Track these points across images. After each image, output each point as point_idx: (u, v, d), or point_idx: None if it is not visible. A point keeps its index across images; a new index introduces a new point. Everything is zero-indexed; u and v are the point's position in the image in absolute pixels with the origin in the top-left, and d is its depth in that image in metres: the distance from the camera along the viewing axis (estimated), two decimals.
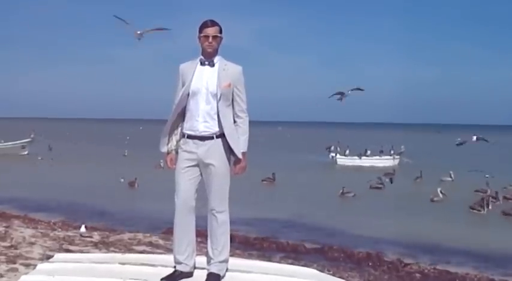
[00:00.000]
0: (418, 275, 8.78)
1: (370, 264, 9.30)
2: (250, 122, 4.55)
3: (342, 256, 9.76)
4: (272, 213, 14.46)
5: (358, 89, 13.47)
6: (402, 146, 32.94)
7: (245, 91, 4.49)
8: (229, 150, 4.43)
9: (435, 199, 17.64)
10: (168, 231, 9.58)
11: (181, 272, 4.47)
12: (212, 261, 4.46)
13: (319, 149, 35.91)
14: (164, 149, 4.55)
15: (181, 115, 4.49)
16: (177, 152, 4.52)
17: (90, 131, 77.40)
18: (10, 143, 33.52)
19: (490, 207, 15.39)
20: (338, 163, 31.15)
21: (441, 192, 17.80)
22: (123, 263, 4.77)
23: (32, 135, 34.37)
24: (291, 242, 10.79)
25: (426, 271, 9.00)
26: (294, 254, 9.85)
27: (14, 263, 6.49)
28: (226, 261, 4.52)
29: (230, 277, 4.51)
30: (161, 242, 9.24)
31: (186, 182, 4.42)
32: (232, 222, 4.55)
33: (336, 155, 32.28)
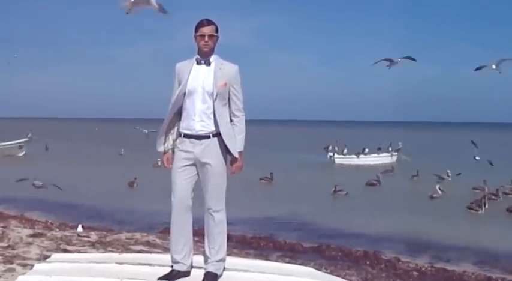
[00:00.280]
0: (415, 273, 8.78)
1: (367, 262, 9.30)
2: (248, 120, 4.56)
3: (339, 255, 9.76)
4: (269, 212, 14.45)
5: (410, 58, 12.01)
6: (400, 143, 32.89)
7: (241, 90, 4.50)
8: (225, 149, 4.43)
9: (434, 195, 17.66)
10: (165, 230, 9.57)
11: (178, 271, 4.47)
12: (209, 260, 4.46)
13: (318, 148, 35.89)
14: (161, 149, 4.56)
15: (178, 114, 4.50)
16: (173, 152, 4.53)
17: (88, 131, 77.29)
18: (7, 143, 33.41)
19: (486, 206, 15.40)
20: (336, 162, 31.13)
21: (440, 189, 17.82)
22: (121, 263, 4.77)
23: (29, 135, 34.26)
24: (288, 241, 10.79)
25: (423, 269, 9.01)
26: (291, 253, 9.85)
27: (11, 263, 6.49)
28: (223, 260, 4.52)
29: (227, 276, 4.52)
30: (158, 241, 9.23)
31: (182, 181, 4.42)
32: (229, 221, 4.55)
33: (333, 154, 32.24)
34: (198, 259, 4.60)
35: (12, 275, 5.80)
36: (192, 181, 4.45)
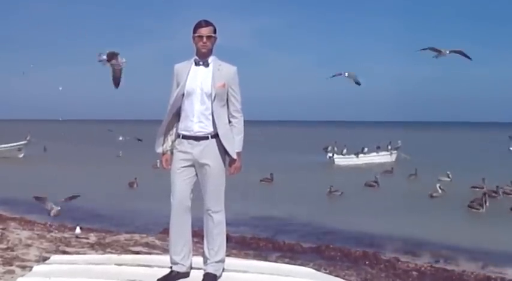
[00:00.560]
0: (414, 273, 8.79)
1: (366, 262, 9.31)
2: (247, 121, 4.57)
3: (338, 255, 9.76)
4: (269, 213, 14.46)
5: (463, 54, 11.00)
6: (399, 141, 32.92)
7: (239, 91, 4.50)
8: (224, 150, 4.44)
9: (434, 194, 17.66)
10: (164, 232, 9.56)
11: (177, 272, 4.47)
12: (208, 261, 4.46)
13: (318, 148, 35.91)
14: (159, 150, 4.56)
15: (176, 115, 4.50)
16: (172, 153, 4.53)
17: (87, 132, 77.25)
18: (6, 145, 33.39)
19: (487, 204, 15.41)
20: (336, 162, 31.11)
21: (440, 188, 17.83)
22: (120, 264, 4.77)
23: (28, 138, 34.23)
24: (287, 242, 10.79)
25: (423, 268, 9.01)
26: (291, 254, 9.85)
27: (11, 265, 6.49)
28: (222, 261, 4.52)
29: (226, 277, 4.52)
30: (158, 242, 9.24)
31: (181, 182, 4.43)
32: (228, 222, 4.55)
33: (333, 155, 32.23)
34: (197, 260, 4.60)
35: (12, 277, 5.81)
36: (191, 182, 4.45)
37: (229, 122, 4.47)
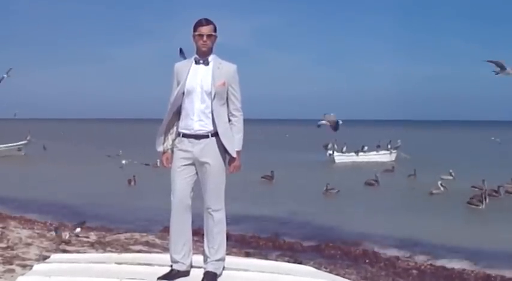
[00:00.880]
0: (414, 271, 8.79)
1: (367, 261, 9.31)
2: (247, 120, 4.57)
3: (338, 253, 9.76)
4: (269, 211, 14.46)
5: None
6: (399, 140, 32.91)
7: (239, 89, 4.50)
8: (224, 149, 4.44)
9: (434, 191, 17.66)
10: (164, 230, 9.58)
11: (178, 271, 4.47)
12: (209, 260, 4.46)
13: (318, 146, 35.91)
14: (160, 148, 4.56)
15: (177, 114, 4.50)
16: (173, 151, 4.54)
17: (87, 131, 77.30)
18: (6, 145, 33.40)
19: (487, 201, 15.42)
20: (336, 160, 31.14)
21: (442, 185, 17.82)
22: (120, 263, 4.77)
23: (28, 138, 34.22)
24: (288, 240, 10.79)
25: (423, 267, 9.01)
26: (291, 252, 9.85)
27: (11, 264, 6.50)
28: (222, 259, 4.52)
29: (227, 276, 4.52)
30: (158, 241, 9.24)
31: (182, 181, 4.43)
32: (228, 220, 4.55)
33: (333, 152, 32.26)
34: (198, 259, 4.60)
35: (12, 276, 5.81)
36: (192, 181, 4.45)
37: (229, 120, 4.48)
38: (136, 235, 9.71)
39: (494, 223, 13.51)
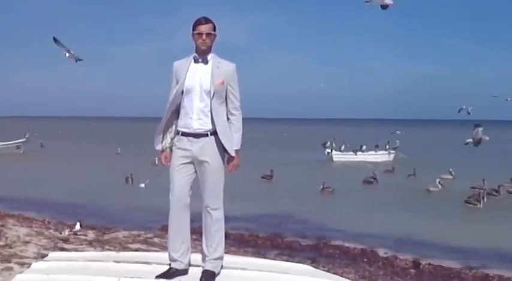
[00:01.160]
0: (412, 270, 8.80)
1: (365, 260, 9.32)
2: (246, 118, 4.57)
3: (336, 253, 9.77)
4: (267, 210, 14.46)
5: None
6: (397, 141, 32.95)
7: (238, 88, 4.50)
8: (223, 147, 4.43)
9: (431, 188, 17.66)
10: (163, 229, 9.58)
11: (176, 269, 4.47)
12: (207, 258, 4.46)
13: (317, 146, 35.97)
14: (159, 147, 4.56)
15: (176, 113, 4.50)
16: (171, 150, 4.53)
17: (87, 129, 77.27)
18: (4, 143, 33.40)
19: (485, 200, 15.42)
20: (334, 159, 31.17)
21: (440, 183, 17.82)
22: (118, 261, 4.77)
23: (26, 135, 34.22)
24: (286, 239, 10.80)
25: (421, 266, 9.02)
26: (289, 251, 9.85)
27: (9, 262, 6.50)
28: (221, 258, 4.52)
29: (225, 274, 4.52)
30: (156, 240, 9.24)
31: (180, 179, 4.42)
32: (227, 219, 4.55)
33: (331, 151, 32.30)
34: (196, 257, 4.59)
35: (10, 274, 5.80)
36: (190, 179, 4.45)
37: (228, 119, 4.47)
38: (135, 233, 9.71)
39: (493, 222, 13.51)
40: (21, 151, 33.01)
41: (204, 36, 4.39)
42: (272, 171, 21.43)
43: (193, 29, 4.42)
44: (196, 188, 4.48)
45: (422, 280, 8.49)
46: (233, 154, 4.44)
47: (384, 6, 8.76)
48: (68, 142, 44.61)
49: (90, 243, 8.43)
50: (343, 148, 32.78)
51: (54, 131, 59.88)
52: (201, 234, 4.53)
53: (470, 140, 13.69)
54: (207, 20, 4.43)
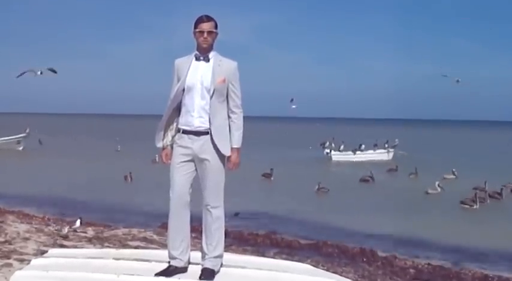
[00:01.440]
0: (412, 270, 8.79)
1: (364, 259, 9.31)
2: (246, 117, 4.56)
3: (336, 252, 9.76)
4: (267, 209, 14.46)
5: None
6: (396, 140, 32.96)
7: (240, 87, 4.50)
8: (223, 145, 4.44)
9: (430, 191, 17.65)
10: (162, 226, 9.57)
11: (175, 267, 4.47)
12: (207, 256, 4.46)
13: (316, 145, 35.99)
14: (159, 144, 4.56)
15: (177, 110, 4.49)
16: (172, 147, 4.53)
17: (87, 126, 77.27)
18: (5, 138, 33.42)
19: (488, 201, 15.40)
20: (333, 158, 31.18)
21: (439, 185, 17.81)
22: (118, 259, 4.77)
23: (27, 130, 34.23)
24: (285, 238, 10.79)
25: (420, 266, 9.01)
26: (288, 250, 9.85)
27: (8, 258, 6.49)
28: (220, 256, 4.52)
29: (224, 273, 4.52)
30: (156, 237, 9.23)
31: (181, 177, 4.42)
32: (227, 217, 4.56)
33: (330, 151, 32.31)
34: (196, 255, 4.60)
35: (10, 270, 5.80)
36: (191, 177, 4.45)
37: (229, 117, 4.47)
38: (134, 231, 9.70)
39: (492, 223, 13.52)
40: (22, 146, 33.01)
41: (205, 34, 4.38)
42: (272, 169, 21.45)
43: (195, 27, 4.42)
44: (197, 186, 4.48)
45: (422, 280, 8.48)
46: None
47: None
48: (68, 138, 44.61)
49: (90, 240, 8.43)
50: (342, 147, 32.80)
51: (53, 128, 59.87)
52: (200, 232, 4.53)
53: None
54: (208, 18, 4.43)
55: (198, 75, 4.39)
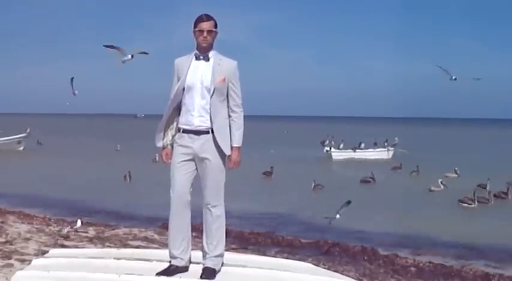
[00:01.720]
0: (413, 269, 8.77)
1: (365, 258, 9.29)
2: (246, 116, 4.56)
3: (337, 250, 9.74)
4: (267, 207, 14.45)
5: None
6: (396, 138, 32.93)
7: (240, 86, 4.49)
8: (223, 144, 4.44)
9: (433, 188, 17.62)
10: (163, 226, 9.56)
11: (176, 266, 4.47)
12: (207, 255, 4.46)
13: (316, 143, 36.00)
14: (160, 144, 4.56)
15: (177, 110, 4.49)
16: (172, 147, 4.53)
17: (87, 126, 77.28)
18: (6, 138, 33.41)
19: (492, 202, 15.38)
20: (333, 156, 31.16)
21: (442, 183, 17.77)
22: (119, 258, 4.77)
23: (27, 130, 34.21)
24: (286, 237, 10.76)
25: (421, 264, 8.99)
26: (289, 249, 9.83)
27: (10, 258, 6.49)
28: (221, 255, 4.52)
29: (225, 272, 4.52)
30: (156, 237, 9.23)
31: (181, 176, 4.42)
32: (227, 216, 4.55)
33: (330, 149, 32.30)
34: (196, 254, 4.60)
35: (11, 270, 5.80)
36: (191, 176, 4.45)
37: (229, 116, 4.47)
38: (135, 231, 9.70)
39: (494, 221, 13.50)
40: (22, 147, 33.01)
41: (205, 34, 4.38)
42: (272, 168, 21.46)
43: (195, 26, 4.42)
44: (197, 186, 4.48)
45: (423, 278, 8.48)
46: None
47: None
48: (68, 138, 44.59)
49: (91, 240, 8.42)
50: (341, 145, 32.79)
51: (54, 128, 59.87)
52: (201, 231, 4.53)
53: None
54: (208, 17, 4.43)
55: (198, 74, 4.39)
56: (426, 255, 9.92)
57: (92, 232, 9.23)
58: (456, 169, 21.21)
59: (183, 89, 4.40)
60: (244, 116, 4.54)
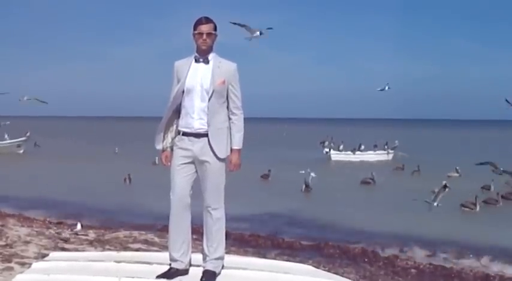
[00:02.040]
0: (413, 270, 8.78)
1: (365, 260, 9.30)
2: (246, 118, 4.56)
3: (337, 252, 9.75)
4: (267, 210, 14.43)
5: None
6: (396, 141, 32.92)
7: (240, 88, 4.49)
8: (224, 147, 4.43)
9: (436, 190, 17.59)
10: (163, 229, 9.55)
11: (176, 269, 4.47)
12: (208, 258, 4.46)
13: (316, 145, 35.98)
14: (159, 146, 4.55)
15: (176, 112, 4.49)
16: (172, 150, 4.52)
17: (86, 128, 77.26)
18: (5, 141, 33.42)
19: (501, 203, 15.33)
20: (332, 158, 31.14)
21: (446, 185, 17.74)
22: (119, 261, 4.76)
23: (27, 134, 34.23)
24: (286, 239, 10.78)
25: (422, 266, 9.01)
26: (290, 251, 9.84)
27: (10, 262, 6.49)
28: (221, 258, 4.52)
29: (225, 274, 4.52)
30: (157, 239, 9.23)
31: (181, 179, 4.42)
32: (227, 219, 4.55)
33: (329, 150, 32.29)
34: (197, 257, 4.59)
35: (11, 274, 5.80)
36: (191, 179, 4.45)
37: (229, 119, 4.46)
38: (135, 233, 9.70)
39: (493, 223, 13.50)
40: (22, 150, 33.02)
41: (204, 36, 4.38)
42: (270, 170, 21.42)
43: (194, 29, 4.42)
44: (197, 188, 4.47)
45: (424, 280, 8.48)
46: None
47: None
48: (68, 141, 44.58)
49: (91, 243, 8.42)
50: (341, 147, 32.79)
51: (53, 131, 59.86)
52: (201, 234, 4.53)
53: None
54: (207, 20, 4.43)
55: (198, 77, 4.39)
56: (426, 257, 9.92)
57: (92, 234, 9.23)
58: (457, 168, 21.19)
59: (183, 91, 4.40)
60: (244, 118, 4.53)
